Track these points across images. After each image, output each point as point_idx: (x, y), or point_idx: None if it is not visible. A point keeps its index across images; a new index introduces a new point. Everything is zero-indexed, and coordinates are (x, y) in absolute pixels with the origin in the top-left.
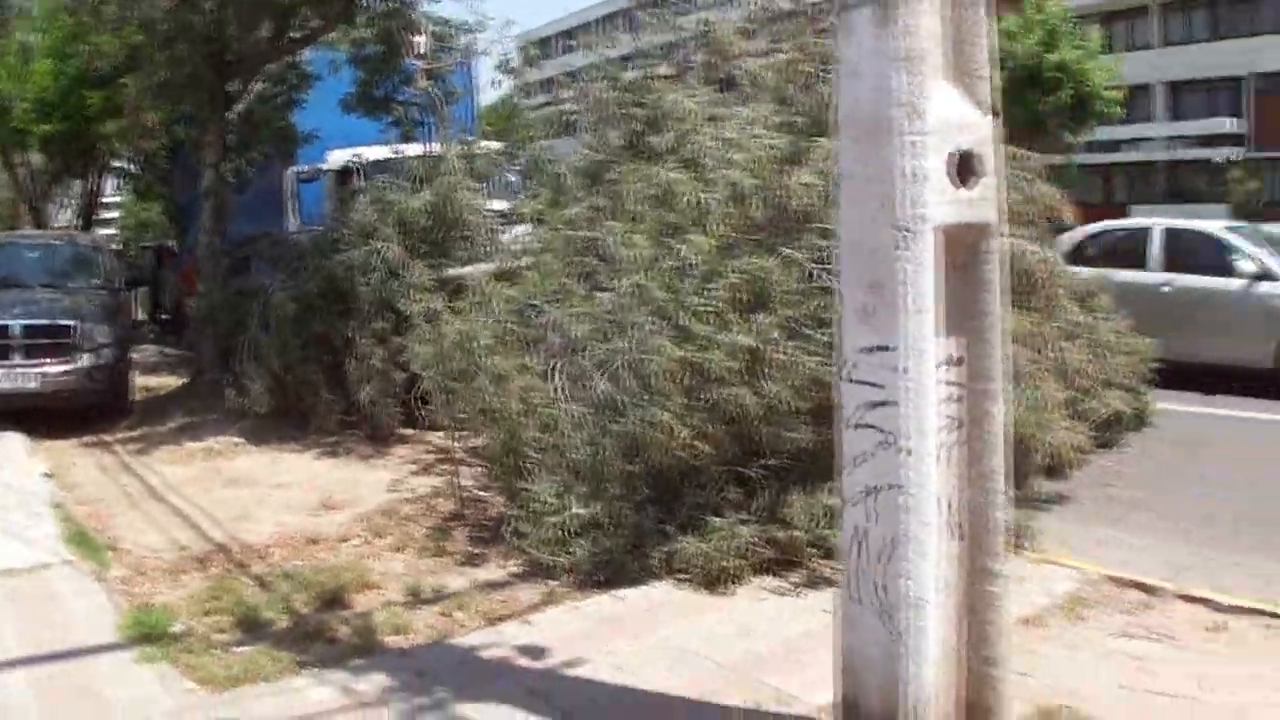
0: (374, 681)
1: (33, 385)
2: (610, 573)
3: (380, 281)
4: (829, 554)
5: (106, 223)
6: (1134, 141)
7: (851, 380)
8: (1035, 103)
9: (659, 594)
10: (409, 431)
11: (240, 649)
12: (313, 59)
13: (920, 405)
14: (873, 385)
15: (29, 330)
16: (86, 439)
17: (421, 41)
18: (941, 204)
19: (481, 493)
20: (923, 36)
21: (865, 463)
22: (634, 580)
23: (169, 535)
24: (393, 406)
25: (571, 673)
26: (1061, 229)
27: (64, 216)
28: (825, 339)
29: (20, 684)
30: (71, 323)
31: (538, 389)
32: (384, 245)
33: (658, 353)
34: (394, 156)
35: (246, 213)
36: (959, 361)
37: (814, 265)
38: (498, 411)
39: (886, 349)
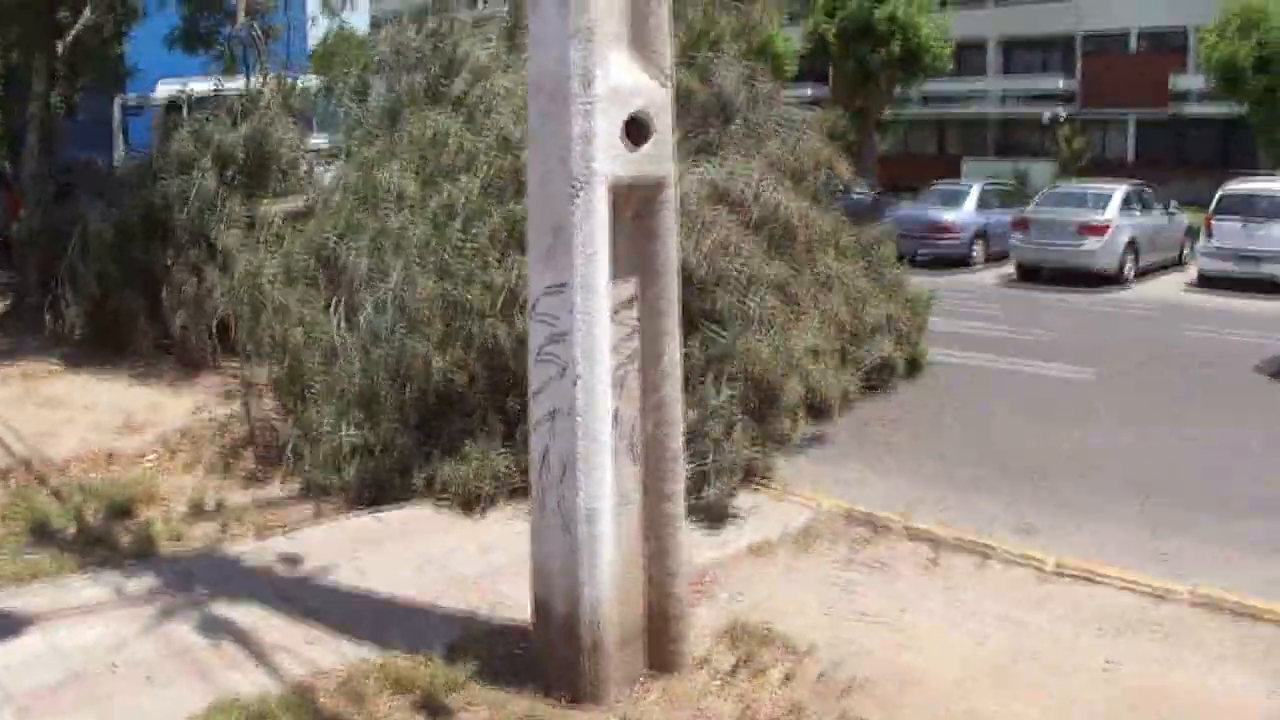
0: (143, 582)
1: None
2: (377, 493)
3: (197, 212)
4: None
5: None
6: (967, 97)
7: (536, 317)
8: (866, 54)
9: (417, 513)
10: (226, 362)
11: (29, 554)
12: None
13: (591, 338)
14: (552, 319)
15: None
16: None
17: None
18: (612, 161)
19: (274, 418)
20: (596, 14)
21: (546, 390)
22: (398, 500)
23: None
24: (205, 336)
25: (321, 580)
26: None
27: None
28: None
29: None
30: None
31: (321, 322)
32: (200, 176)
33: (416, 286)
34: (220, 91)
35: (78, 140)
36: (634, 301)
37: None
38: (283, 341)
39: (563, 287)
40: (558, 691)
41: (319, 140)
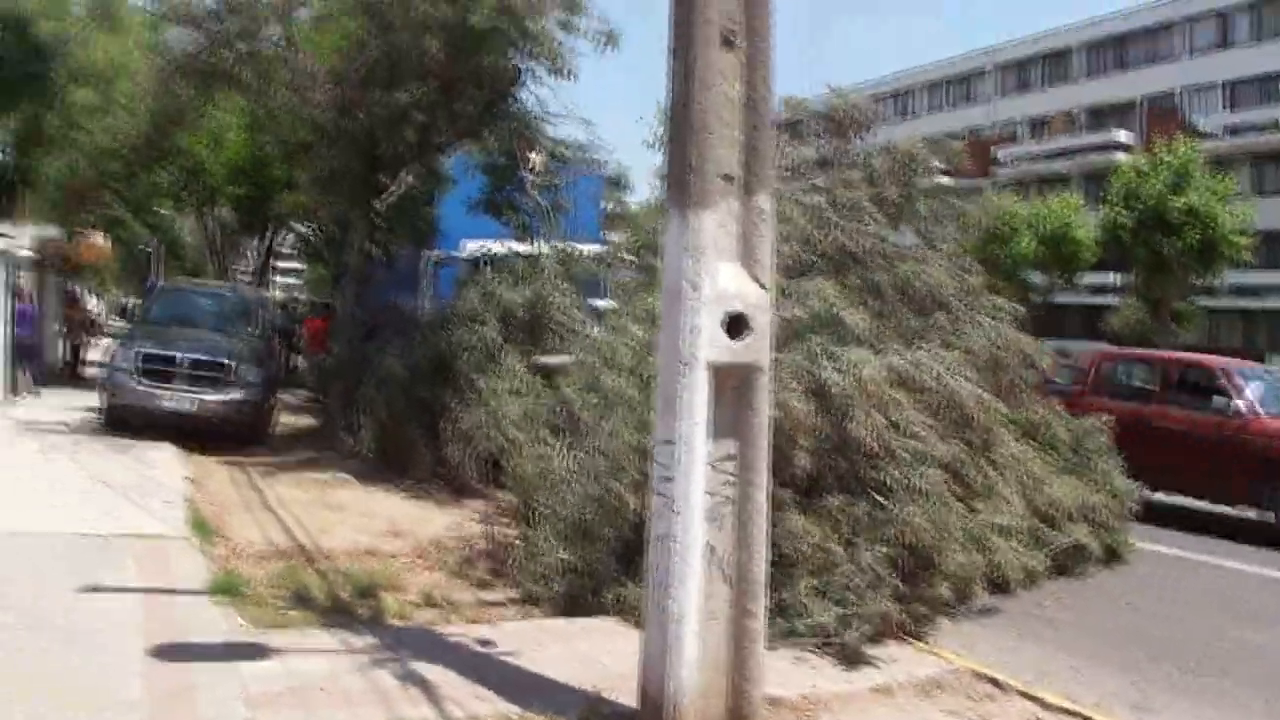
0: (365, 640)
1: (190, 408)
2: (575, 605)
3: (477, 360)
4: None
5: (289, 273)
6: (1274, 289)
7: (655, 461)
8: (1161, 243)
9: (601, 623)
10: (491, 490)
11: (286, 611)
12: (452, 161)
13: (688, 482)
14: (664, 465)
15: (192, 363)
16: (228, 458)
17: (534, 158)
18: (713, 349)
19: (512, 538)
20: (706, 236)
21: (659, 518)
22: (590, 613)
23: (267, 534)
24: (473, 465)
25: (503, 658)
26: None
27: (244, 267)
28: None
29: (131, 605)
30: (227, 361)
31: (552, 458)
32: (484, 329)
33: (620, 438)
34: (516, 253)
35: (394, 286)
36: (733, 457)
37: None
38: (518, 474)
39: (671, 442)
40: None
41: (604, 303)
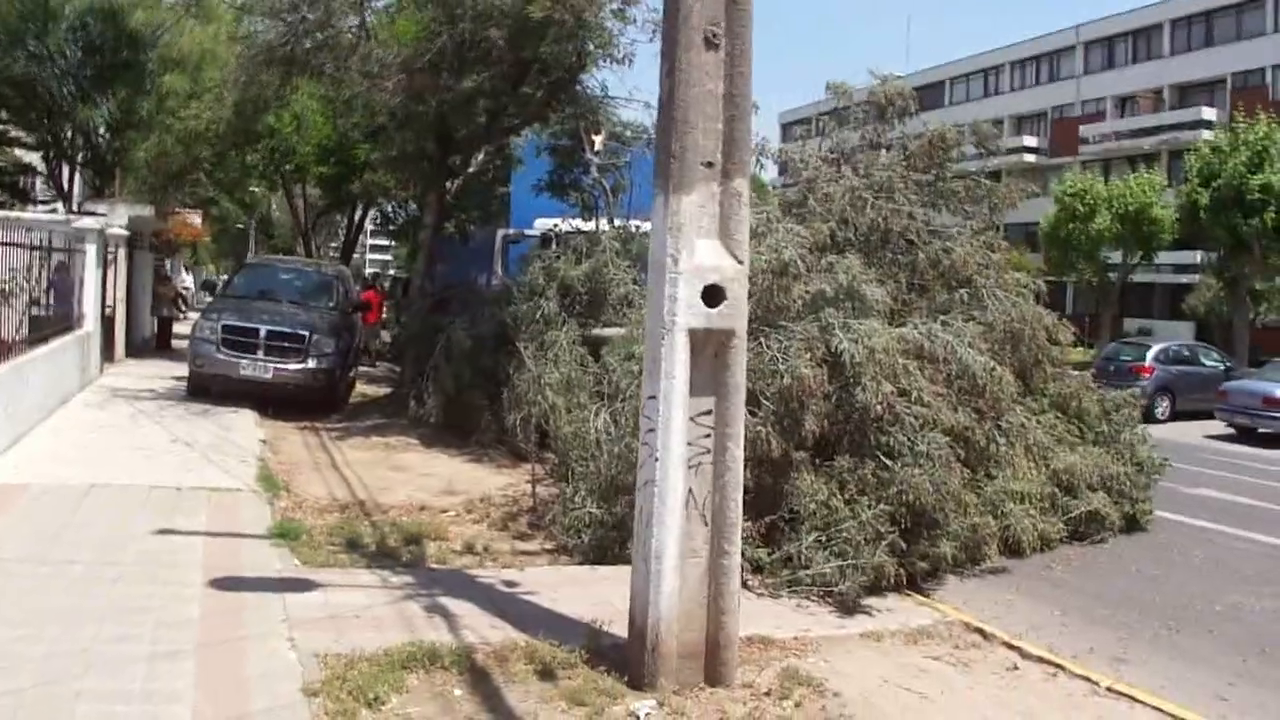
0: (402, 579)
1: (268, 376)
2: (602, 555)
3: (538, 332)
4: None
5: (381, 249)
6: None
7: (642, 415)
8: (1239, 223)
9: (618, 571)
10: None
11: (337, 554)
12: (520, 143)
13: (668, 433)
14: (648, 418)
15: (271, 334)
16: (302, 424)
17: (597, 140)
18: (691, 316)
19: (554, 496)
20: (685, 215)
21: (644, 466)
22: (614, 563)
23: (330, 490)
24: (523, 429)
25: (524, 597)
26: None
27: (334, 243)
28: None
29: (198, 545)
30: (305, 333)
31: (587, 421)
32: (545, 303)
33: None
34: (583, 230)
35: (469, 261)
36: (710, 412)
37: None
38: (556, 435)
39: (655, 398)
40: (629, 679)
41: None
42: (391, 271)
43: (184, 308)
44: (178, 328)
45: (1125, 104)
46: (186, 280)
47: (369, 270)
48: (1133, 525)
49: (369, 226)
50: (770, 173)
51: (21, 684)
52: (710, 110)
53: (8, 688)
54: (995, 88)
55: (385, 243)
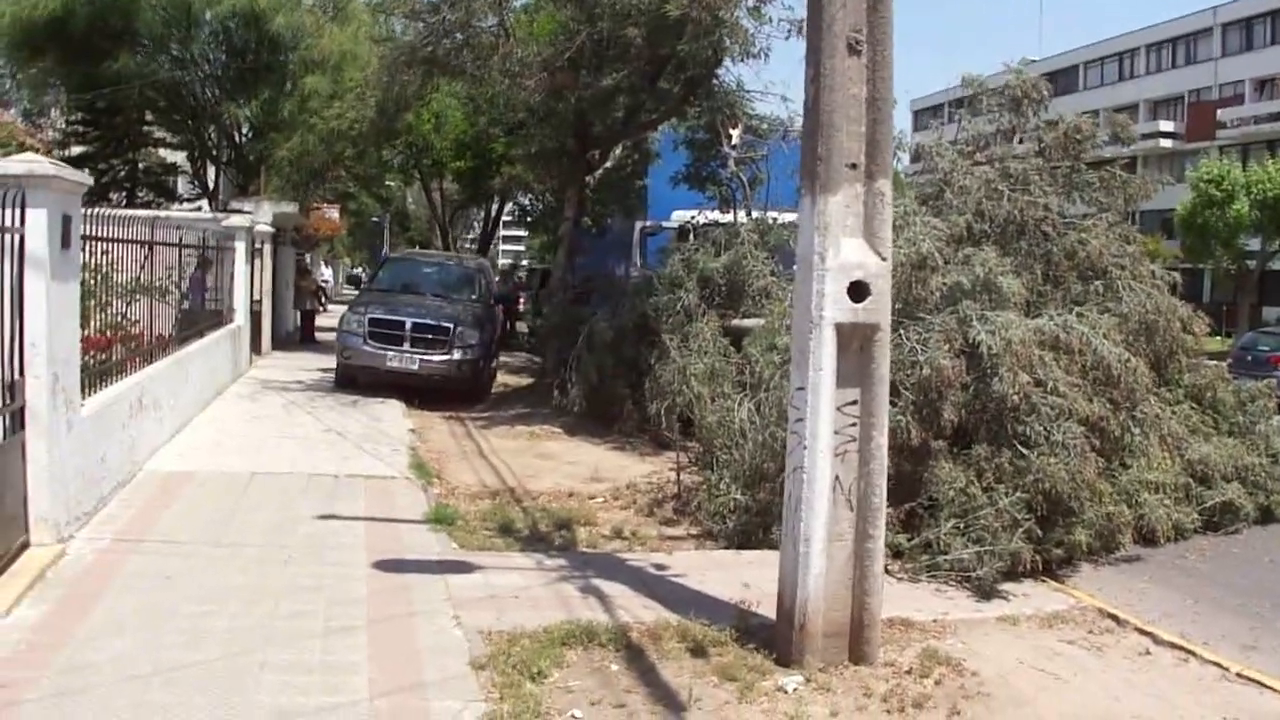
0: (556, 561)
1: (414, 368)
2: (746, 539)
3: (678, 322)
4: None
5: (514, 239)
6: None
7: (790, 405)
8: None
9: (763, 555)
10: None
11: (492, 538)
12: (660, 137)
13: (816, 422)
14: (797, 408)
15: (416, 327)
16: (448, 413)
17: (734, 134)
18: (837, 311)
19: (699, 483)
20: (831, 215)
21: (792, 454)
22: (758, 548)
23: (480, 478)
24: (667, 419)
25: (673, 579)
26: None
27: (470, 236)
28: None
29: (359, 529)
30: (449, 325)
31: (732, 410)
32: (685, 294)
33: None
34: (721, 221)
35: (607, 253)
36: (856, 402)
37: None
38: (701, 424)
39: (803, 389)
40: (777, 656)
41: None
42: (525, 262)
43: (325, 301)
44: (320, 320)
45: (1264, 86)
46: (326, 274)
47: (503, 261)
48: (1267, 517)
49: (505, 219)
50: (903, 161)
51: (210, 655)
52: (853, 114)
53: (197, 659)
54: (1130, 71)
55: (519, 233)
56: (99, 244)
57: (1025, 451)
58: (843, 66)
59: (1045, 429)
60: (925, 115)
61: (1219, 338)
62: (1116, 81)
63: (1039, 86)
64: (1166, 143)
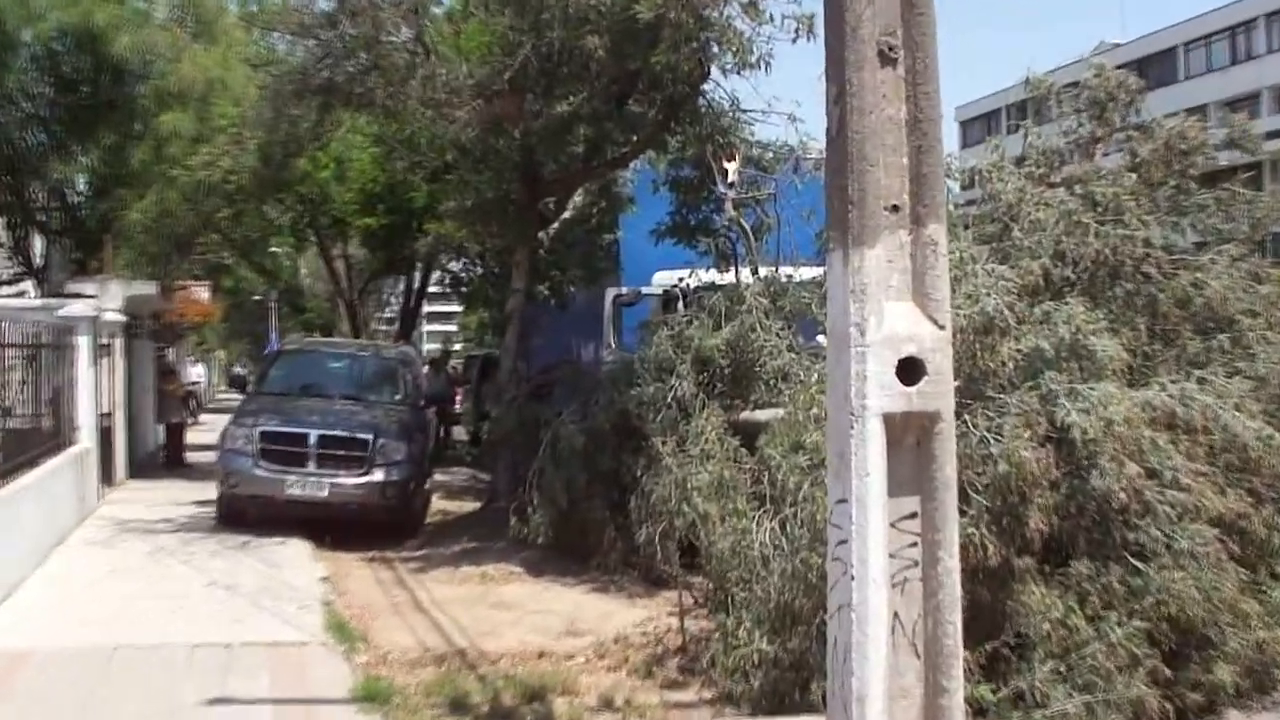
0: None
1: (322, 495)
2: (778, 703)
3: (671, 420)
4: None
5: (441, 317)
6: None
7: (830, 524)
8: None
9: None
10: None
11: (442, 717)
12: (634, 179)
13: (865, 545)
14: (839, 527)
15: (324, 440)
16: (371, 554)
17: (731, 168)
18: (884, 397)
19: (712, 630)
20: (872, 274)
21: (836, 587)
22: (796, 712)
23: (419, 639)
24: (671, 548)
25: None
26: None
27: (384, 316)
28: None
29: (265, 717)
30: (367, 436)
31: (748, 532)
32: (677, 382)
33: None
34: (719, 283)
35: (570, 330)
36: (915, 515)
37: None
38: (708, 552)
39: (845, 501)
40: None
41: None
42: (459, 346)
43: (197, 410)
44: (191, 436)
45: None
46: (196, 374)
47: (429, 347)
48: None
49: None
50: (952, 190)
51: None
52: (891, 141)
53: None
54: (1247, 50)
55: (450, 309)
56: None
57: (1140, 566)
58: (874, 81)
59: (1165, 534)
60: (973, 127)
61: None
62: (1228, 65)
63: (1127, 84)
64: None
